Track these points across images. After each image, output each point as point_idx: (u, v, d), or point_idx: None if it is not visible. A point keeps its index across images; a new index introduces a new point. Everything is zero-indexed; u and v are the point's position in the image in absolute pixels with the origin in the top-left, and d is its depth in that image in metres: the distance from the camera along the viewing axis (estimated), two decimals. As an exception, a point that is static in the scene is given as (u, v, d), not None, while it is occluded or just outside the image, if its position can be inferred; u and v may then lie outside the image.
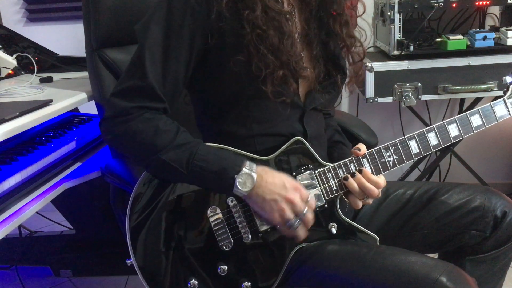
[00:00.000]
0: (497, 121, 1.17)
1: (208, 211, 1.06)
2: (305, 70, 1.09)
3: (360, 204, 1.11)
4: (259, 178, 1.00)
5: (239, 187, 1.00)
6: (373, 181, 1.09)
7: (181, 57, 1.03)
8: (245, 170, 1.00)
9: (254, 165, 1.02)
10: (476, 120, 1.15)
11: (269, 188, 1.00)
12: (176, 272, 1.07)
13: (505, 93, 1.18)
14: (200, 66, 1.07)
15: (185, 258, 1.07)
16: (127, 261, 1.08)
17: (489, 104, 1.17)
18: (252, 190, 1.00)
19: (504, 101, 1.17)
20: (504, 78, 1.19)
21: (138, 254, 1.07)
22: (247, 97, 1.07)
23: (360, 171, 1.09)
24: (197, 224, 1.07)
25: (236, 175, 0.99)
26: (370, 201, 1.11)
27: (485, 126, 1.16)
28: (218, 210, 1.06)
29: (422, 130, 1.13)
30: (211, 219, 1.06)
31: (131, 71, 1.05)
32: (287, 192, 1.00)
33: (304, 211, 1.01)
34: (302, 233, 1.03)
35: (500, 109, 1.17)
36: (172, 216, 1.07)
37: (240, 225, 1.06)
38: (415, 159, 1.14)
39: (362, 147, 1.12)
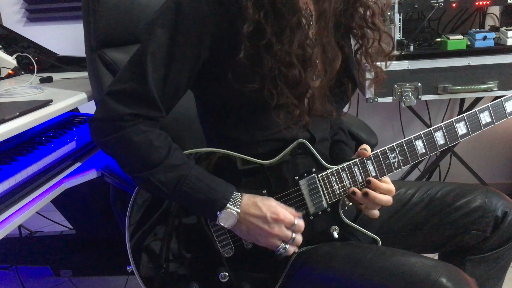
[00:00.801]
0: (507, 117, 1.14)
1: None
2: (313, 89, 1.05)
3: (377, 213, 1.10)
4: (242, 214, 1.00)
5: (221, 223, 1.00)
6: (384, 190, 1.08)
7: (184, 65, 0.99)
8: (229, 206, 0.99)
9: (239, 198, 1.01)
10: (485, 117, 1.13)
11: (252, 223, 1.00)
12: (177, 278, 1.07)
13: None
14: (205, 75, 1.04)
15: (186, 264, 1.07)
16: (128, 268, 1.07)
17: (500, 100, 1.14)
18: (235, 225, 1.01)
19: None
20: None
21: (138, 260, 1.06)
22: (252, 107, 1.04)
23: (368, 182, 1.08)
24: (199, 230, 1.06)
25: (219, 212, 0.99)
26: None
27: (494, 123, 1.14)
28: None
29: (429, 129, 1.11)
30: (213, 226, 1.06)
31: (130, 73, 1.00)
32: (270, 227, 1.00)
33: (293, 237, 1.02)
34: (293, 249, 1.04)
35: (510, 105, 1.14)
36: (173, 221, 1.06)
37: None
38: (421, 159, 1.13)
39: (368, 148, 1.11)
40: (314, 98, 1.05)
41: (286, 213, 1.02)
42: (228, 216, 1.00)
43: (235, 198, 1.00)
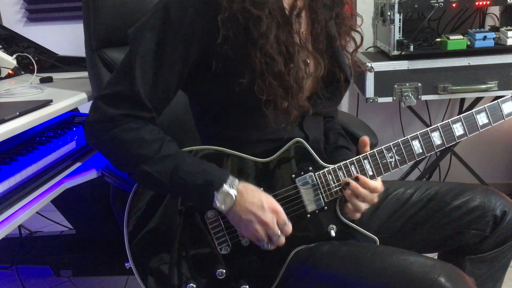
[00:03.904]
0: (504, 119, 1.14)
1: (207, 215, 1.06)
2: (304, 94, 1.06)
3: (358, 215, 1.10)
4: (239, 196, 1.00)
5: (218, 204, 1.00)
6: (370, 187, 1.08)
7: (174, 67, 1.00)
8: (225, 187, 0.99)
9: (236, 182, 1.01)
10: (482, 119, 1.13)
11: (246, 207, 1.00)
12: (174, 275, 1.07)
13: None
14: (197, 77, 1.05)
15: (183, 262, 1.07)
16: (126, 264, 1.08)
17: (496, 101, 1.14)
18: (231, 208, 1.00)
19: None
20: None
21: (136, 258, 1.07)
22: (247, 106, 1.05)
23: (357, 179, 1.08)
24: (196, 228, 1.07)
25: (216, 192, 0.99)
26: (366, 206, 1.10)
27: (491, 124, 1.13)
28: (217, 214, 1.06)
29: (425, 129, 1.11)
30: (210, 223, 1.06)
31: (119, 76, 1.02)
32: (264, 214, 1.00)
33: (278, 234, 1.02)
34: (272, 248, 1.04)
35: (507, 106, 1.14)
36: (170, 219, 1.07)
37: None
38: (418, 159, 1.13)
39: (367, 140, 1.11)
40: (303, 93, 1.06)
41: (282, 209, 1.03)
42: (225, 197, 0.99)
43: (232, 180, 1.01)
